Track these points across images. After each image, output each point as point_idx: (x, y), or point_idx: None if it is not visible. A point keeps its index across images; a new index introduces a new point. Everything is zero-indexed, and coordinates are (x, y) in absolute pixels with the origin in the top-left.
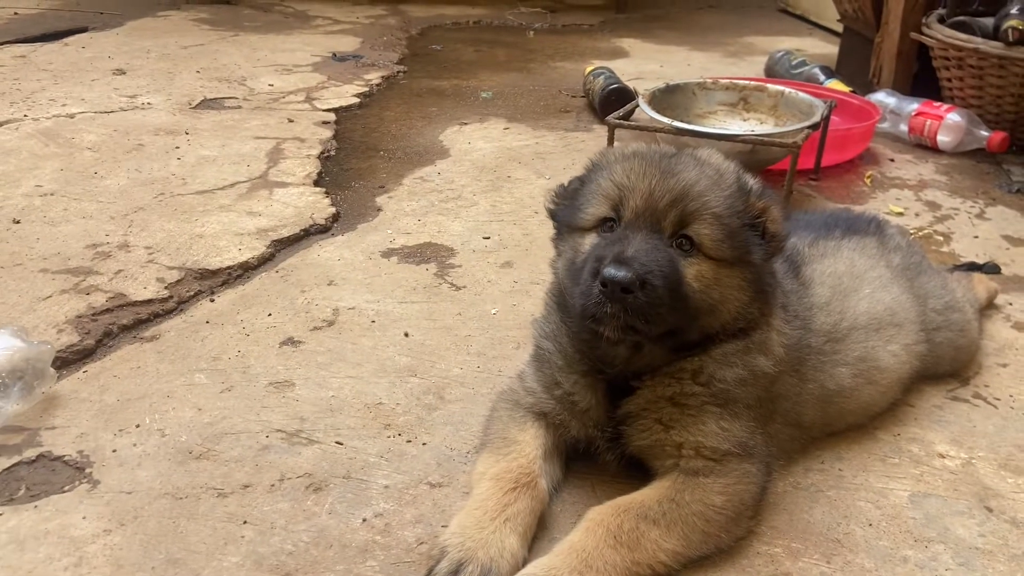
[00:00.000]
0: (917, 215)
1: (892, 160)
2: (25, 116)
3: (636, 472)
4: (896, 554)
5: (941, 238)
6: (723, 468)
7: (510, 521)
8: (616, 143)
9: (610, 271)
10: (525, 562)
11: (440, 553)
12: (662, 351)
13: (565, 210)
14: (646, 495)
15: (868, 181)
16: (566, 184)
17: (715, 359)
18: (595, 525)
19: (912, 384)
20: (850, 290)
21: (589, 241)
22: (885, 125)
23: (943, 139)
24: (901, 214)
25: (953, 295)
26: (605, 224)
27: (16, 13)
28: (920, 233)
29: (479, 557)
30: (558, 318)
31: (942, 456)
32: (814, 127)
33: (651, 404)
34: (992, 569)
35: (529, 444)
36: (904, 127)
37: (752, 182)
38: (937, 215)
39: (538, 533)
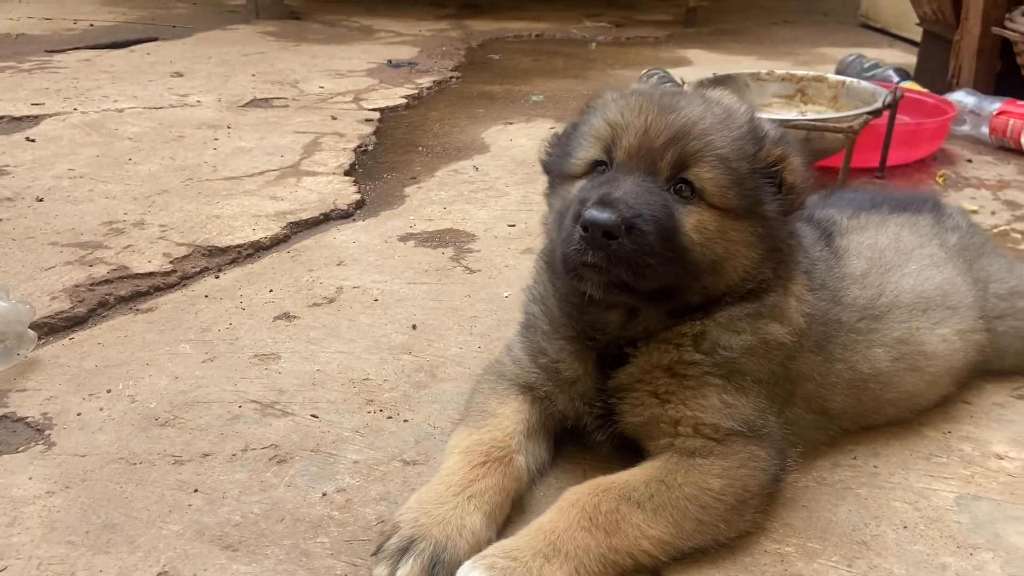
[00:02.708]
0: (993, 213)
1: (969, 161)
2: (75, 110)
3: (633, 456)
4: (933, 561)
5: (1019, 236)
6: (724, 449)
7: (475, 498)
8: None
9: (592, 212)
10: (490, 543)
11: (392, 529)
12: (659, 315)
13: (556, 159)
14: (632, 475)
15: (940, 180)
16: (559, 131)
17: (720, 323)
18: (569, 505)
19: (970, 379)
20: (893, 265)
21: (579, 188)
22: (965, 127)
23: None
24: (975, 212)
25: (1021, 280)
26: (596, 168)
27: (92, 25)
28: (996, 230)
29: (433, 534)
30: (547, 279)
31: (999, 457)
32: (875, 113)
33: (646, 375)
34: None
35: (508, 418)
36: (985, 128)
37: (769, 127)
38: (1017, 214)
39: (516, 518)
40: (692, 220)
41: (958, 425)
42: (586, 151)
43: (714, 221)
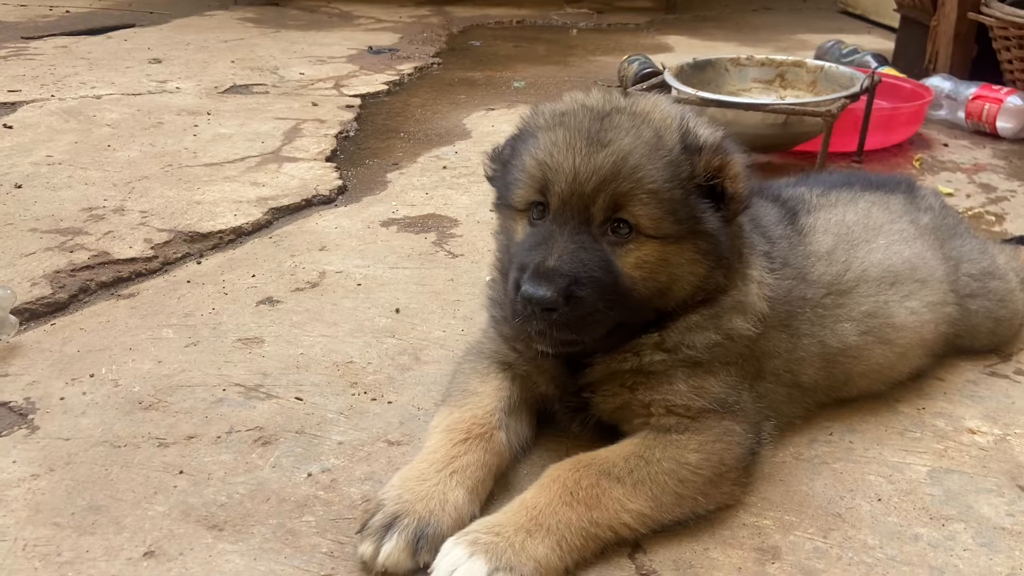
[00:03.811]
0: (968, 196)
1: (946, 145)
2: (52, 96)
3: (615, 437)
4: (906, 531)
5: (993, 218)
6: (699, 425)
7: (457, 474)
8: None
9: (528, 290)
10: (473, 519)
11: (376, 506)
12: (615, 340)
13: (500, 180)
14: (612, 451)
15: (917, 164)
16: (500, 147)
17: (681, 329)
18: (551, 481)
19: (943, 357)
20: (860, 240)
21: (521, 228)
22: (942, 112)
23: (1003, 124)
24: (950, 195)
25: (993, 261)
26: (535, 208)
27: (68, 11)
28: (970, 212)
29: (416, 510)
30: (503, 286)
31: (972, 432)
32: (852, 97)
33: (611, 373)
34: (1019, 551)
35: (490, 396)
36: (961, 113)
37: (705, 135)
38: (991, 197)
39: (500, 495)
40: (631, 259)
41: (932, 401)
42: (523, 190)
43: (653, 252)
